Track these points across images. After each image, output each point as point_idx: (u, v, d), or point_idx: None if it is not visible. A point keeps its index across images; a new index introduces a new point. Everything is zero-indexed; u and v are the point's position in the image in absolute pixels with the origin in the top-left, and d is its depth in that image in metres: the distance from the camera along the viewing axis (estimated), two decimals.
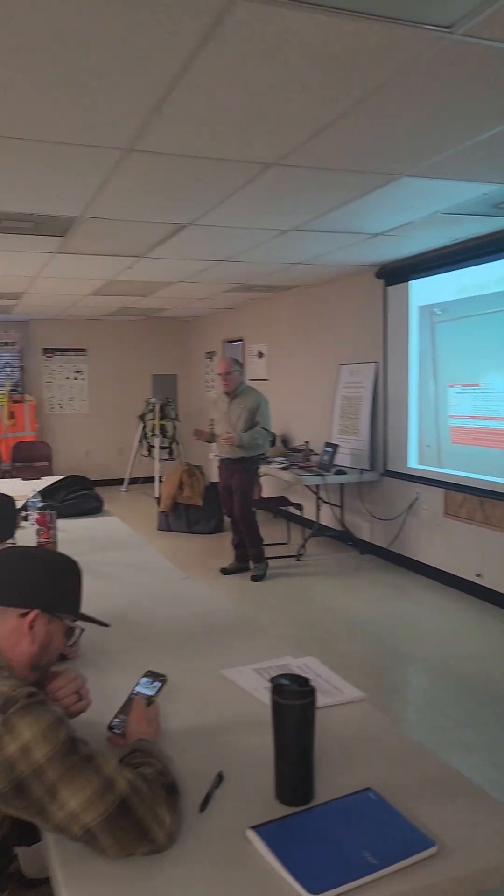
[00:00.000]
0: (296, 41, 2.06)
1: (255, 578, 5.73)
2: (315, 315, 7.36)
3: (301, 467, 6.52)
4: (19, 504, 2.94)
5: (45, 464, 9.70)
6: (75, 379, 10.50)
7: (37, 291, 7.22)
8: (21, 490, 3.75)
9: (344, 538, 6.72)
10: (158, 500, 7.91)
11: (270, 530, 7.46)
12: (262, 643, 2.09)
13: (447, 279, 5.45)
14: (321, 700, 1.35)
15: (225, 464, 5.74)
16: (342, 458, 6.48)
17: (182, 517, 7.47)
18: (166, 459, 9.82)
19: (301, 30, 2.00)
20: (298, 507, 6.82)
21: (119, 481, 10.15)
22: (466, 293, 5.28)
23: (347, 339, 6.77)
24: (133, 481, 10.19)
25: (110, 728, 1.49)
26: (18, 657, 1.38)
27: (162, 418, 9.84)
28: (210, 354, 10.22)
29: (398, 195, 3.77)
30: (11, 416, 9.85)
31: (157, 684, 1.59)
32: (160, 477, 8.89)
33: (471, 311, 5.25)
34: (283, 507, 7.07)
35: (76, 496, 4.04)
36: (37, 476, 5.82)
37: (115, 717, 1.51)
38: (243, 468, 5.63)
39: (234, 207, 3.95)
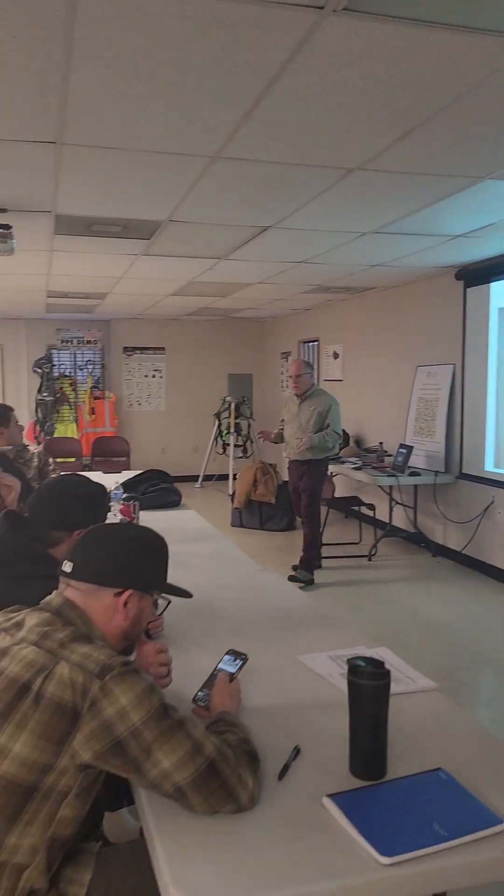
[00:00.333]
0: (382, 52, 2.13)
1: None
2: (392, 316, 7.35)
3: (374, 468, 6.53)
4: None
5: (123, 459, 9.99)
6: (153, 377, 10.77)
7: (120, 292, 7.45)
8: (104, 482, 3.91)
9: (416, 540, 6.69)
10: (232, 496, 8.06)
11: (342, 530, 7.51)
12: (337, 633, 2.17)
13: None
14: (394, 688, 1.40)
15: (294, 465, 5.77)
16: (416, 460, 6.47)
17: (255, 514, 7.60)
18: (240, 457, 9.99)
19: (388, 41, 2.06)
20: (371, 507, 6.83)
21: (193, 478, 10.35)
22: None
23: (425, 341, 6.74)
24: (207, 478, 10.39)
25: (195, 700, 1.60)
26: (113, 631, 1.48)
27: (237, 417, 10.01)
28: (285, 354, 10.31)
29: (480, 198, 3.77)
30: (92, 412, 10.24)
31: (239, 662, 1.69)
32: (234, 474, 9.06)
33: None
34: (356, 507, 7.10)
35: (157, 489, 4.20)
36: (116, 470, 6.04)
37: (200, 690, 1.62)
38: (312, 470, 5.65)
39: (315, 211, 4.03)
